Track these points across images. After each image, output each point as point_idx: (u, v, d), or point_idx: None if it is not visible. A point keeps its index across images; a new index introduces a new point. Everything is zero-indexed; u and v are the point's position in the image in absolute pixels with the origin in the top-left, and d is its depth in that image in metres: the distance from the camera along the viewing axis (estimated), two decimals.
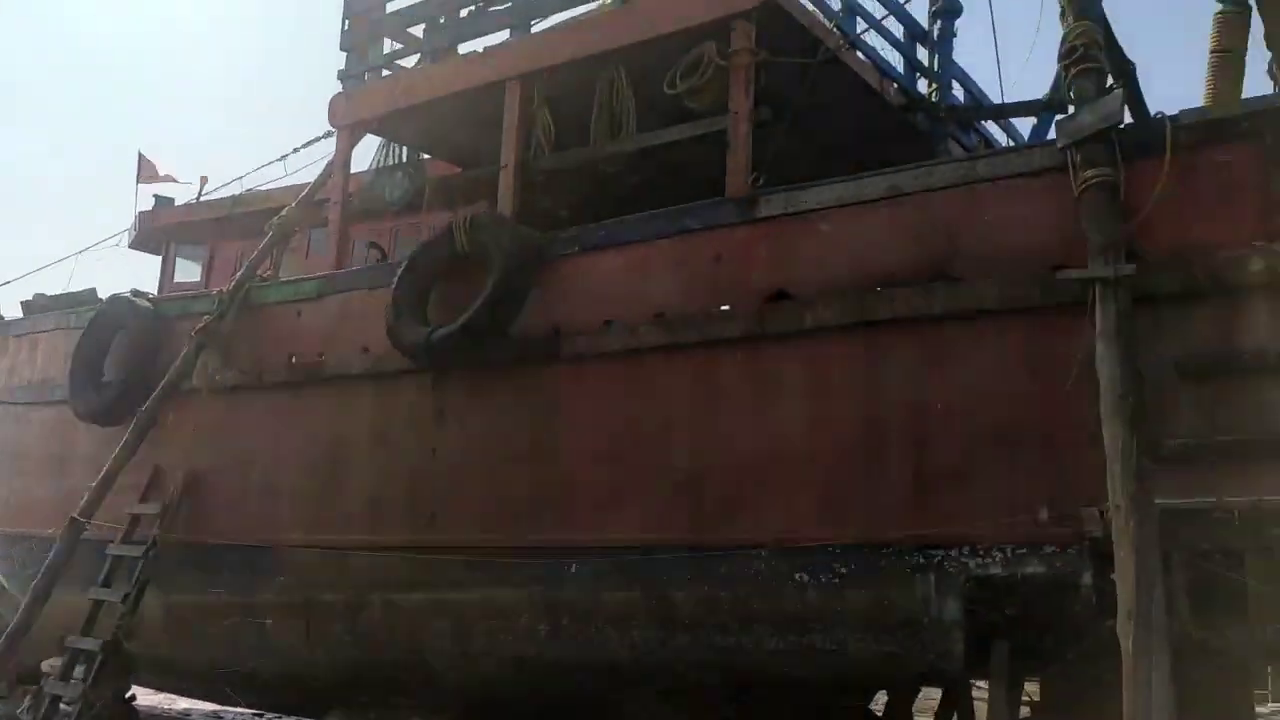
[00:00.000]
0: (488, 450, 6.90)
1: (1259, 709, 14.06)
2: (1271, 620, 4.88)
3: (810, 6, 7.08)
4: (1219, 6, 5.81)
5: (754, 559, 5.85)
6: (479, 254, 6.96)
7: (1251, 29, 5.73)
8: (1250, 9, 5.66)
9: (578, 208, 8.40)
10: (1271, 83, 5.91)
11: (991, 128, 9.74)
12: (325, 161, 8.99)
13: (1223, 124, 5.12)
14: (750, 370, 6.03)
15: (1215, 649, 5.15)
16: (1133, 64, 8.21)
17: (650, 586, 6.14)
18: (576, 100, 7.17)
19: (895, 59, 8.31)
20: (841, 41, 7.03)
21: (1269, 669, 10.54)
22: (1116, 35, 5.90)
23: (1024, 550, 5.26)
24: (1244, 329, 4.92)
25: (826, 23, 7.07)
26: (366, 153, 8.97)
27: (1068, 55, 5.36)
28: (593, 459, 6.48)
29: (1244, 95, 5.83)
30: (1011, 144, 9.64)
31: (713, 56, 6.40)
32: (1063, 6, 5.43)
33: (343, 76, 8.70)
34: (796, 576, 5.73)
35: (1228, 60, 5.79)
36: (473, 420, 7.01)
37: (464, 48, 8.26)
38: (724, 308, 6.13)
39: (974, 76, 9.19)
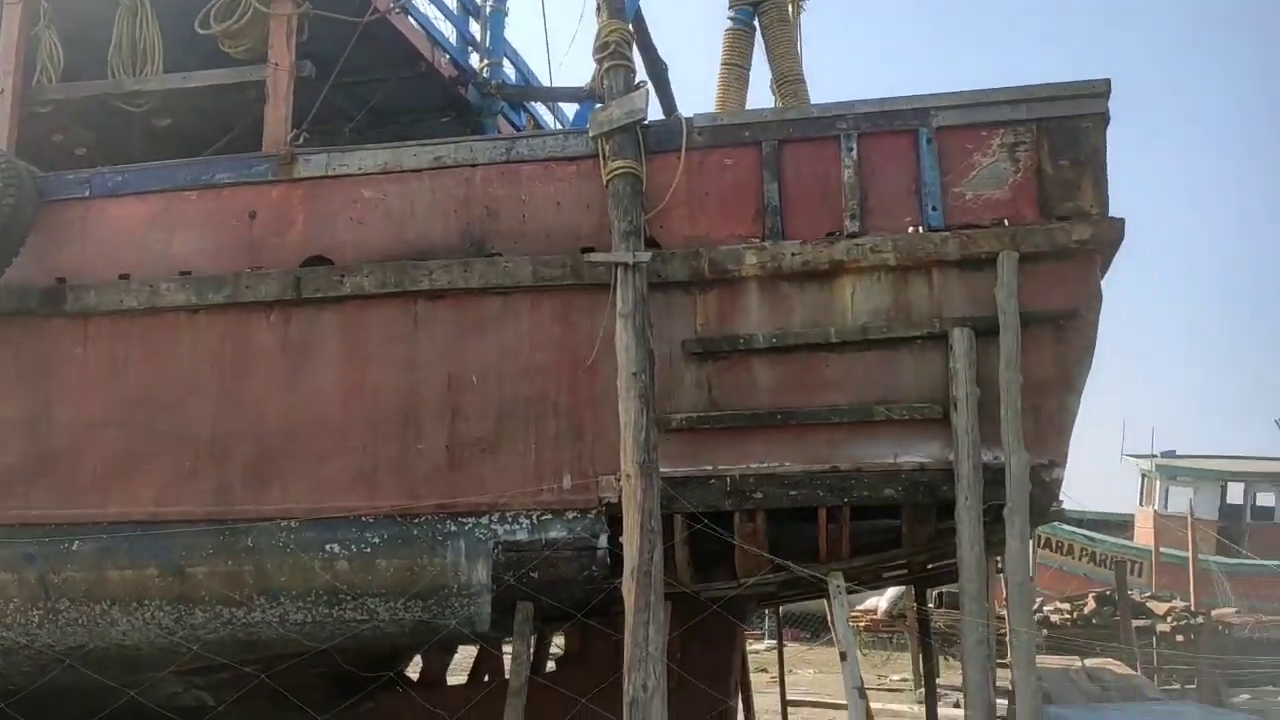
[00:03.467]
0: None
1: (756, 645, 16.11)
2: (751, 573, 5.59)
3: None
4: (729, 23, 6.45)
5: (282, 531, 5.66)
6: None
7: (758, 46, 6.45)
8: (755, 29, 6.36)
9: (102, 147, 7.58)
10: (774, 96, 6.70)
11: (541, 110, 10.12)
12: None
13: (729, 130, 5.71)
14: (283, 336, 5.78)
15: (709, 597, 5.82)
16: (665, 65, 8.92)
17: (165, 563, 5.73)
18: (100, 29, 6.43)
19: (449, 31, 8.35)
20: (392, 4, 6.91)
21: (757, 612, 12.02)
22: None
23: (549, 516, 5.57)
24: (738, 316, 5.55)
25: None
26: None
27: (601, 50, 5.68)
28: (101, 426, 5.88)
29: (749, 105, 6.54)
30: (558, 127, 10.08)
31: (252, 0, 6.02)
32: (599, 4, 5.75)
33: None
34: (327, 548, 5.63)
35: (736, 72, 6.46)
36: None
37: None
38: (257, 269, 5.82)
39: (525, 58, 9.48)
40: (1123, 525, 23.57)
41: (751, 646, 16.42)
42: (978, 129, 5.53)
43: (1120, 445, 23.50)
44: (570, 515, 5.54)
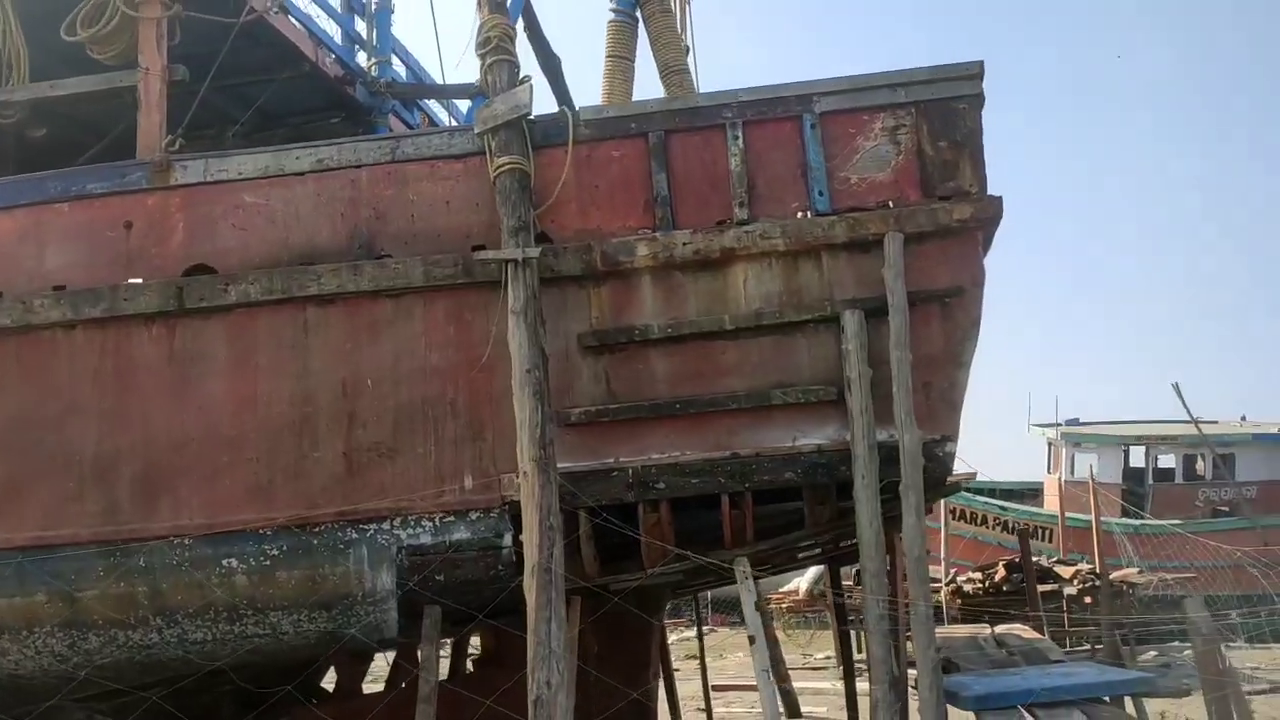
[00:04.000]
0: None
1: (687, 633, 16.20)
2: (658, 563, 5.61)
3: None
4: (611, 15, 6.44)
5: (176, 548, 5.52)
6: None
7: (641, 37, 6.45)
8: (638, 20, 6.36)
9: None
10: (662, 87, 6.70)
11: (437, 108, 10.01)
12: None
13: (615, 122, 5.70)
14: (168, 348, 5.63)
15: (617, 589, 5.83)
16: (559, 58, 8.87)
17: (54, 588, 5.54)
18: None
19: (334, 30, 8.21)
20: (270, 3, 6.75)
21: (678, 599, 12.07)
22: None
23: (451, 518, 5.52)
24: (633, 307, 5.55)
25: None
26: None
27: (483, 45, 5.63)
28: None
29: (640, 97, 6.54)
30: (454, 124, 9.98)
31: (118, 4, 5.83)
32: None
33: None
34: (224, 563, 5.50)
35: (620, 64, 6.45)
36: None
37: None
38: (136, 281, 5.65)
39: (422, 56, 9.35)
40: (1034, 493, 24.22)
41: (684, 634, 16.57)
42: (859, 113, 5.61)
43: (1026, 416, 24.13)
44: (473, 516, 5.50)
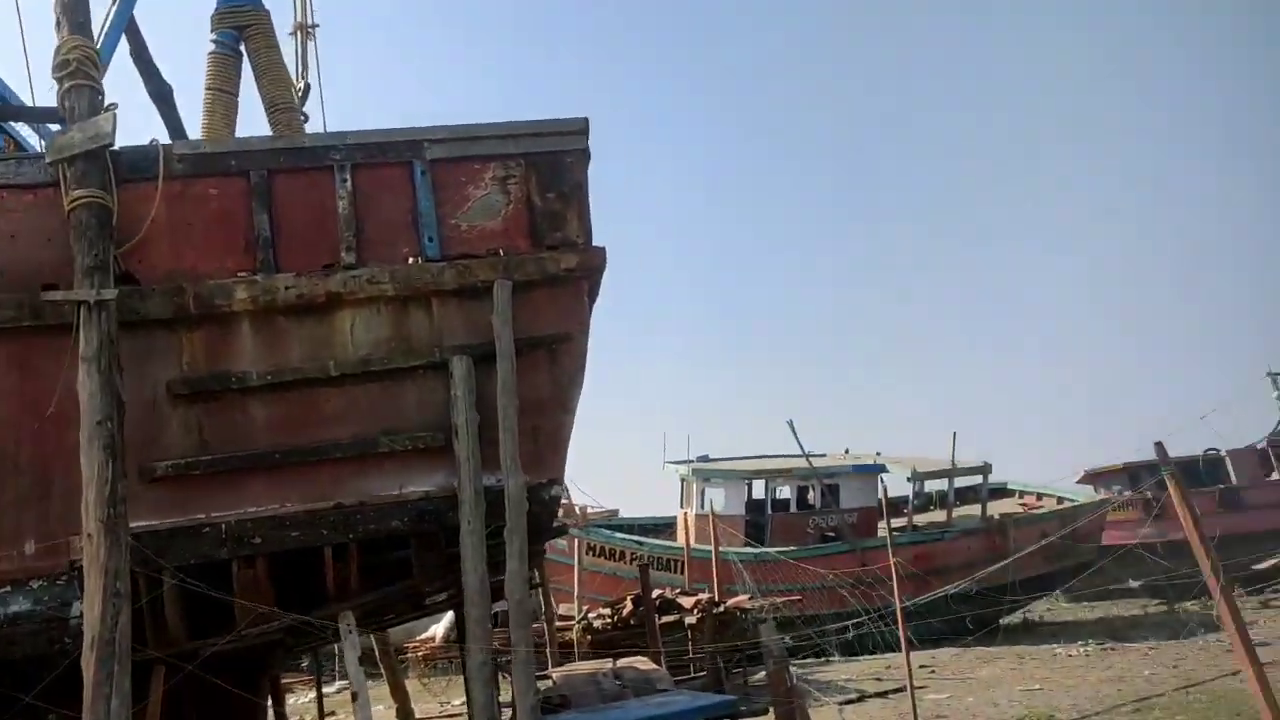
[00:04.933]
0: None
1: (327, 689, 15.42)
2: (256, 623, 5.30)
3: None
4: (212, 47, 6.13)
5: None
6: None
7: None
8: (241, 54, 6.09)
9: None
10: (269, 124, 6.46)
11: (27, 131, 9.04)
12: None
13: (213, 158, 5.41)
14: None
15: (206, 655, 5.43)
16: (170, 87, 8.33)
17: None
18: None
19: None
20: None
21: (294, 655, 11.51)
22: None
23: (9, 588, 4.94)
24: (230, 353, 5.26)
25: None
26: None
27: (61, 69, 5.14)
28: None
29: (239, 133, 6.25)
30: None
31: None
32: (58, 18, 5.20)
33: None
34: None
35: (221, 98, 6.15)
36: None
37: None
38: None
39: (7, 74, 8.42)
40: (671, 527, 25.39)
41: (326, 690, 15.70)
42: (470, 162, 5.68)
43: (663, 454, 25.28)
44: (35, 584, 4.96)
